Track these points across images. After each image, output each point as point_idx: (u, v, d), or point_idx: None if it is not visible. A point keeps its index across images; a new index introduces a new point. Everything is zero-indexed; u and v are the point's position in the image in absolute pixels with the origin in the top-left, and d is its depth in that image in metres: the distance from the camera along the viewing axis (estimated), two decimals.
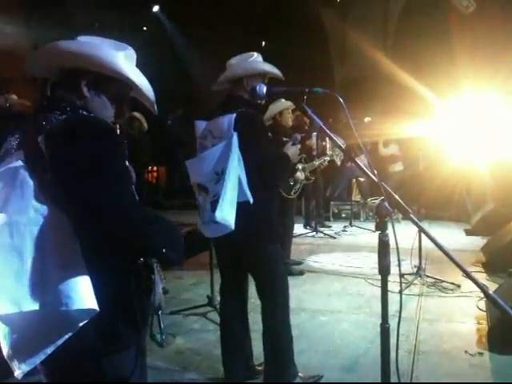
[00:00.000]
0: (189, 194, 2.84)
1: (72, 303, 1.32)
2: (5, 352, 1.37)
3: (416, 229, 1.70)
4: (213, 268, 4.15)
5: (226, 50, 2.94)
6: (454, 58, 8.57)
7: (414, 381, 3.00)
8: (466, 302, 4.31)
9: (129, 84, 1.58)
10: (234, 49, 2.87)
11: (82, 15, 9.45)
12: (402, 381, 2.24)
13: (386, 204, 1.62)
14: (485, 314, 3.86)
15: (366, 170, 1.74)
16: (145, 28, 10.93)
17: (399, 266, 1.66)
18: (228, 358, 2.93)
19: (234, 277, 2.95)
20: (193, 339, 3.70)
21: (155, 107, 1.68)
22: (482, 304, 4.08)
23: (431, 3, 9.79)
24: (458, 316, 4.05)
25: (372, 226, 7.36)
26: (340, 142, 2.01)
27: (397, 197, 1.66)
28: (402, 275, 4.76)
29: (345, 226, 8.05)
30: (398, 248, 1.63)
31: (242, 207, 2.58)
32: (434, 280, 4.85)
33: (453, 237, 7.12)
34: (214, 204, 2.54)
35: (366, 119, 9.05)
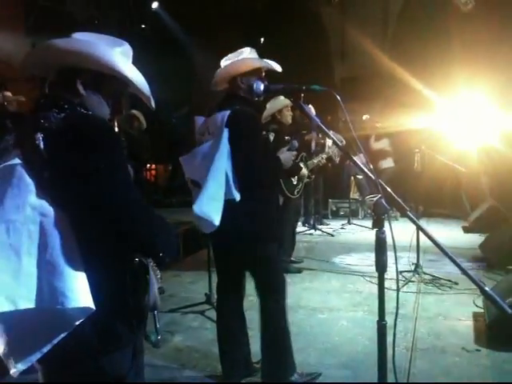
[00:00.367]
0: (189, 192, 2.84)
1: (68, 302, 1.32)
2: (0, 350, 1.37)
3: (414, 226, 1.70)
4: (210, 266, 4.15)
5: (226, 49, 2.91)
6: (453, 56, 8.57)
7: (411, 377, 3.01)
8: (463, 299, 4.32)
9: (125, 81, 1.57)
10: (235, 47, 2.84)
11: (82, 12, 9.41)
12: (399, 377, 2.24)
13: (384, 201, 1.62)
14: (482, 311, 3.87)
15: (363, 167, 1.74)
16: (143, 26, 10.90)
17: (396, 263, 1.66)
18: (226, 355, 2.93)
19: (231, 275, 2.94)
20: (191, 337, 3.71)
21: (152, 103, 1.67)
22: (480, 301, 4.09)
23: (431, 1, 9.78)
24: (455, 313, 4.06)
25: (370, 223, 7.39)
26: (339, 139, 2.01)
27: (394, 194, 1.66)
28: (399, 272, 4.80)
29: (343, 224, 8.06)
30: (394, 245, 1.63)
31: (237, 206, 2.58)
32: (431, 277, 4.87)
33: (450, 234, 7.15)
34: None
35: (365, 117, 9.06)
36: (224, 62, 2.81)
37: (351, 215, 8.37)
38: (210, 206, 2.55)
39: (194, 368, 3.22)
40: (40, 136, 1.39)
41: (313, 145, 6.06)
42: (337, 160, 7.24)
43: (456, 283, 4.65)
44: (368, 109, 9.25)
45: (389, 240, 1.64)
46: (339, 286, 4.90)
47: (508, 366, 3.15)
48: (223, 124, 2.60)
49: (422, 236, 4.75)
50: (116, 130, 1.69)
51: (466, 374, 3.07)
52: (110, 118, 1.62)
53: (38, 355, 1.34)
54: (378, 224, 1.65)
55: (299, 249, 6.30)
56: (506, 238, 5.36)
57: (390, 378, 1.70)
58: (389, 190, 1.66)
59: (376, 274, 1.68)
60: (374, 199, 1.71)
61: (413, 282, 4.78)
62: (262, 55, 2.89)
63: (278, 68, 2.85)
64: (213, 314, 3.86)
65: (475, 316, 3.93)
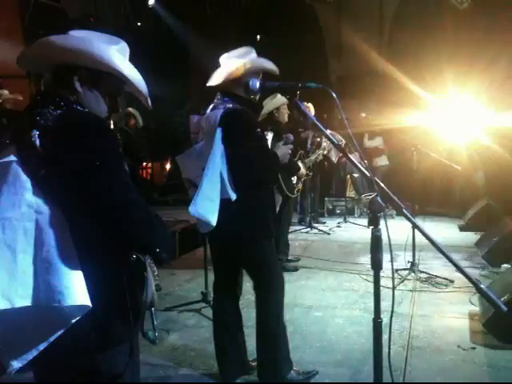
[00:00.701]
0: (185, 190, 2.85)
1: (64, 299, 1.32)
2: None
3: (410, 224, 1.70)
4: (207, 264, 4.14)
5: (224, 46, 2.90)
6: (448, 55, 8.60)
7: (406, 375, 3.02)
8: (459, 297, 4.33)
9: (122, 78, 1.57)
10: (232, 44, 2.83)
11: (78, 9, 9.37)
12: (395, 375, 2.25)
13: (379, 199, 1.63)
14: (478, 308, 3.88)
15: (358, 165, 1.74)
16: (139, 24, 10.86)
17: (391, 261, 1.67)
18: (222, 353, 2.94)
19: (228, 273, 2.94)
20: (187, 335, 3.70)
21: (149, 101, 1.67)
22: (475, 299, 4.10)
23: (426, 0, 9.80)
24: (451, 311, 4.07)
25: (366, 222, 7.35)
26: (336, 137, 2.01)
27: (390, 192, 1.66)
28: (395, 271, 4.81)
29: (339, 222, 8.07)
30: (390, 243, 1.64)
31: (233, 205, 2.57)
32: (427, 275, 4.88)
33: (446, 232, 7.16)
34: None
35: (363, 114, 9.09)
36: (229, 59, 2.74)
37: (347, 213, 8.37)
38: (206, 207, 2.55)
39: (190, 366, 3.22)
40: (36, 133, 1.38)
41: (309, 142, 6.06)
42: (335, 160, 7.25)
43: (452, 281, 4.67)
44: (363, 107, 9.26)
45: (385, 238, 1.64)
46: (335, 284, 4.91)
47: (504, 363, 3.16)
48: (216, 123, 2.59)
49: (417, 234, 4.75)
50: (112, 127, 1.69)
51: (461, 371, 3.08)
52: (107, 115, 1.61)
53: (34, 353, 1.34)
54: (373, 222, 1.65)
55: (295, 247, 6.31)
56: (501, 235, 5.38)
57: (386, 375, 1.71)
58: (385, 188, 1.66)
59: (372, 272, 1.68)
60: (370, 197, 1.71)
61: (409, 280, 4.79)
62: (258, 53, 2.86)
63: (274, 71, 2.82)
64: (209, 312, 3.86)
65: (471, 314, 3.94)
